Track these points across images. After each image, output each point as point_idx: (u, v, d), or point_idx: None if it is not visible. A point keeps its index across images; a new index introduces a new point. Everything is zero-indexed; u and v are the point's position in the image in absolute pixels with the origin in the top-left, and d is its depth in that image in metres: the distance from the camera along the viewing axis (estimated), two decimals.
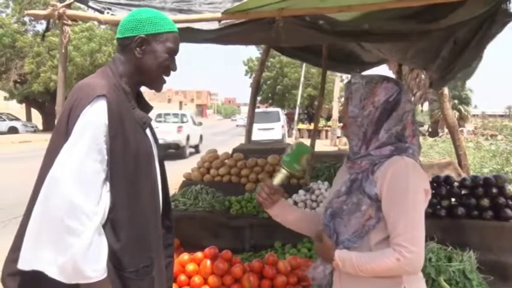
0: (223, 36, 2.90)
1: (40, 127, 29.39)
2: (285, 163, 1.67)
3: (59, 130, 1.45)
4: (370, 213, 1.43)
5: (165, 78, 1.62)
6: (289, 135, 24.32)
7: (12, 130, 27.11)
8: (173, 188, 4.10)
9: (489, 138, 14.99)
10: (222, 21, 2.52)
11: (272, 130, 19.77)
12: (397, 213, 1.38)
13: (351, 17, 2.88)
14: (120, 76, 1.53)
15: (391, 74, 5.99)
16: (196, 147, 17.72)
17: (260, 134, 16.83)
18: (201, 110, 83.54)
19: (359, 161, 1.49)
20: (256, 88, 6.35)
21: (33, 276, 1.35)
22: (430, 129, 27.55)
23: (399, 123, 1.48)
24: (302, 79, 27.52)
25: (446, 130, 11.64)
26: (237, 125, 39.00)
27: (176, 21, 1.70)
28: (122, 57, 1.55)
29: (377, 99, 1.48)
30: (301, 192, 3.85)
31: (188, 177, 4.61)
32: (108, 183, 1.42)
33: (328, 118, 26.37)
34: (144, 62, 1.53)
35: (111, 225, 1.41)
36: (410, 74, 18.35)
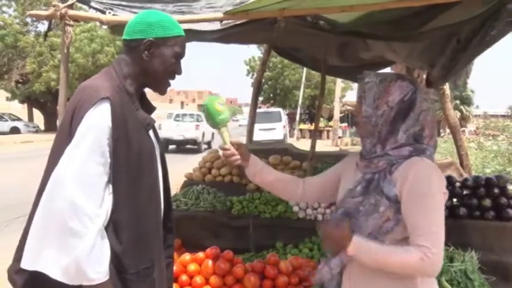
0: (225, 36, 2.91)
1: (42, 127, 29.44)
2: (214, 125, 1.75)
3: (62, 132, 1.46)
4: (388, 215, 1.40)
5: (170, 81, 1.63)
6: (291, 136, 24.32)
7: (14, 130, 27.14)
8: (174, 188, 4.10)
9: (491, 138, 14.94)
10: (224, 22, 2.52)
11: (274, 130, 19.77)
12: (419, 214, 1.36)
13: (352, 17, 2.88)
14: (124, 77, 1.52)
15: None
16: (208, 143, 19.76)
17: (261, 134, 16.85)
18: None
19: (376, 161, 1.46)
20: (258, 88, 6.34)
21: (39, 273, 1.35)
22: None
23: (417, 124, 1.45)
24: (303, 79, 27.51)
25: (448, 130, 11.60)
26: (239, 125, 39.14)
27: (178, 22, 1.70)
28: (128, 58, 1.54)
29: (391, 98, 1.45)
30: None
31: (189, 177, 4.62)
32: (110, 186, 1.42)
33: (330, 118, 26.36)
34: (151, 65, 1.53)
35: (113, 227, 1.41)
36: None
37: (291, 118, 28.12)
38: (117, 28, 2.67)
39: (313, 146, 5.50)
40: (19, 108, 34.49)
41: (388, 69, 5.14)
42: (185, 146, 17.90)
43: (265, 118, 18.97)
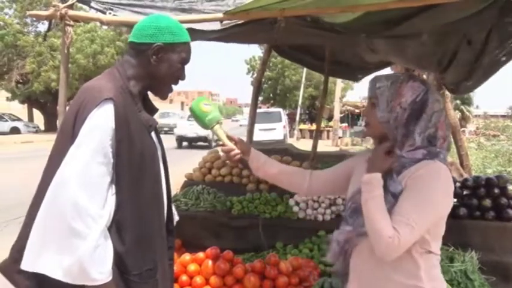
0: (225, 36, 2.91)
1: (42, 127, 29.45)
2: (204, 126, 1.75)
3: (64, 132, 1.46)
4: (392, 212, 1.39)
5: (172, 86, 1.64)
6: (291, 136, 24.31)
7: (14, 130, 27.16)
8: (175, 188, 4.10)
9: (491, 138, 14.94)
10: (224, 22, 2.52)
11: (274, 130, 19.76)
12: (410, 202, 1.35)
13: (351, 17, 2.87)
14: (128, 79, 1.53)
15: None
16: (217, 140, 20.58)
17: (262, 134, 16.85)
18: None
19: None
20: (258, 88, 6.34)
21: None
22: None
23: (430, 125, 1.44)
24: (303, 79, 27.50)
25: None
26: (240, 125, 39.25)
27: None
28: (134, 60, 1.55)
29: (404, 99, 1.44)
30: None
31: (190, 177, 4.61)
32: (113, 186, 1.42)
33: (330, 118, 26.33)
34: (157, 70, 1.54)
35: (116, 227, 1.42)
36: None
37: (291, 118, 28.09)
38: (118, 28, 2.66)
39: (314, 146, 5.51)
40: (19, 109, 34.51)
41: (388, 70, 5.14)
42: (197, 143, 19.21)
43: (265, 118, 18.96)
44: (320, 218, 3.72)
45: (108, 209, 1.39)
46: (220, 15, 2.44)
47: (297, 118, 27.56)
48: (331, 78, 7.60)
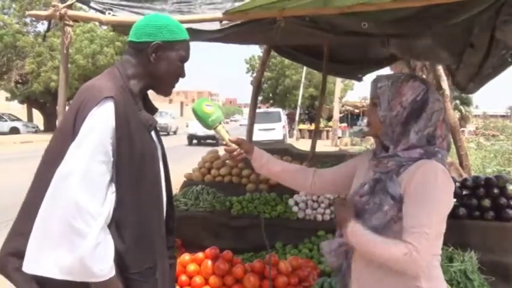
0: (225, 36, 2.91)
1: (41, 127, 29.43)
2: (207, 127, 1.77)
3: (64, 131, 1.46)
4: (391, 214, 1.41)
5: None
6: (290, 136, 24.32)
7: (14, 130, 27.12)
8: (174, 188, 4.10)
9: (490, 138, 14.96)
10: (223, 22, 2.52)
11: (273, 130, 19.78)
12: (417, 212, 1.36)
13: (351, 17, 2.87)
14: (128, 78, 1.53)
15: None
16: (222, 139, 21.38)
17: (261, 134, 16.84)
18: None
19: (385, 161, 1.47)
20: (257, 88, 6.35)
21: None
22: None
23: (429, 124, 1.44)
24: (303, 79, 27.51)
25: None
26: (240, 125, 39.33)
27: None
28: (134, 60, 1.55)
29: (404, 99, 1.45)
30: (302, 192, 3.85)
31: (189, 177, 4.61)
32: (113, 184, 1.42)
33: (329, 118, 26.34)
34: (157, 68, 1.54)
35: (115, 225, 1.42)
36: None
37: (291, 118, 28.11)
38: (117, 28, 2.66)
39: (313, 146, 5.51)
40: (18, 109, 34.47)
41: (387, 69, 5.15)
42: (206, 141, 21.09)
43: (264, 118, 18.97)
44: (319, 218, 3.72)
45: (107, 206, 1.39)
46: (220, 15, 2.44)
47: (297, 118, 27.58)
48: (331, 79, 7.60)
